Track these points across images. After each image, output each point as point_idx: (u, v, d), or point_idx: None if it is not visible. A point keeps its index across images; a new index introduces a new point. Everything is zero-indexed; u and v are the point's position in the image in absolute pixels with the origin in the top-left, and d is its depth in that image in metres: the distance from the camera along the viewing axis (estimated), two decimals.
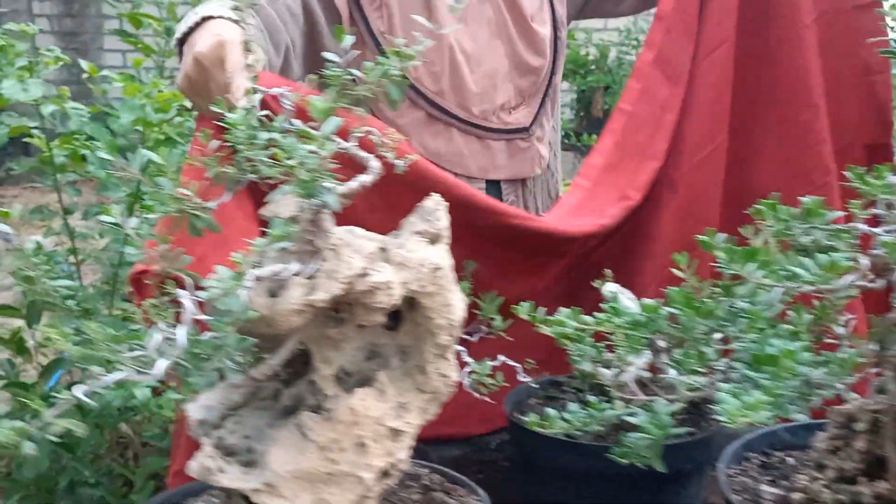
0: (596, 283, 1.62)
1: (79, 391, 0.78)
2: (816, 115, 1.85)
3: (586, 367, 1.14)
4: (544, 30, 1.96)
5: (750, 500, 1.19)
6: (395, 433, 1.06)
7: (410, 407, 1.08)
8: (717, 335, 1.18)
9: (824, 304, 1.19)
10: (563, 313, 1.10)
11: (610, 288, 1.52)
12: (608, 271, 1.64)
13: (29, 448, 0.77)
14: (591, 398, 1.14)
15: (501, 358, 1.56)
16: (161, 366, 0.82)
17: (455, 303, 1.11)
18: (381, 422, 1.04)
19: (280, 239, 0.86)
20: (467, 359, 1.53)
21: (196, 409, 1.07)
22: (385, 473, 1.05)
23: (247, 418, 1.08)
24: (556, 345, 1.45)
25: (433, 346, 1.09)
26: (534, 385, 1.63)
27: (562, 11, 2.04)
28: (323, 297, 0.97)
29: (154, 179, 0.93)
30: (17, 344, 2.41)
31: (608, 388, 1.39)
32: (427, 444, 1.84)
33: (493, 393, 1.52)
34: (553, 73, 2.03)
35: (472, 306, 1.59)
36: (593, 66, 7.43)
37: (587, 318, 1.06)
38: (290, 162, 0.84)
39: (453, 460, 1.97)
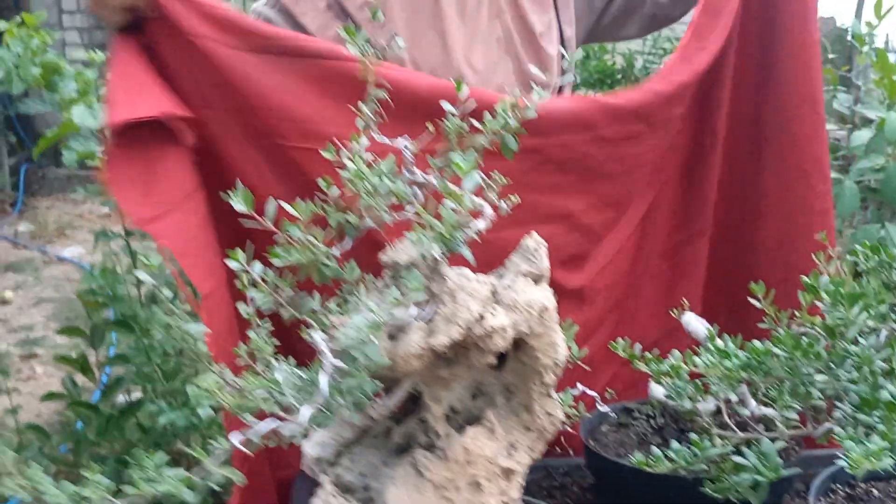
0: (674, 313, 1.65)
1: (235, 439, 0.82)
2: (821, 123, 1.89)
3: (686, 404, 1.16)
4: (552, 49, 2.00)
5: None
6: (508, 472, 1.09)
7: (519, 446, 1.11)
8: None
9: None
10: (675, 356, 1.12)
11: (689, 319, 1.55)
12: (685, 301, 1.67)
13: (188, 496, 0.81)
14: (693, 436, 1.16)
15: (581, 387, 1.59)
16: (306, 414, 0.85)
17: (559, 342, 1.14)
18: (494, 461, 1.07)
19: (417, 290, 0.89)
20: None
21: (312, 447, 1.10)
22: None
23: (360, 455, 1.11)
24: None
25: (539, 384, 1.12)
26: (608, 412, 1.65)
27: (570, 33, 2.07)
28: (443, 342, 1.01)
29: (286, 229, 0.96)
30: (80, 363, 2.46)
31: (692, 420, 1.41)
32: None
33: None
34: (561, 90, 2.06)
35: None
36: (620, 76, 7.43)
37: (697, 361, 1.09)
38: (427, 217, 0.87)
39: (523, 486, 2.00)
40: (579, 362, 1.60)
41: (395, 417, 1.15)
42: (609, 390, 1.61)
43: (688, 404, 1.16)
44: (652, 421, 1.77)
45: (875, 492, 1.37)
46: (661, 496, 1.50)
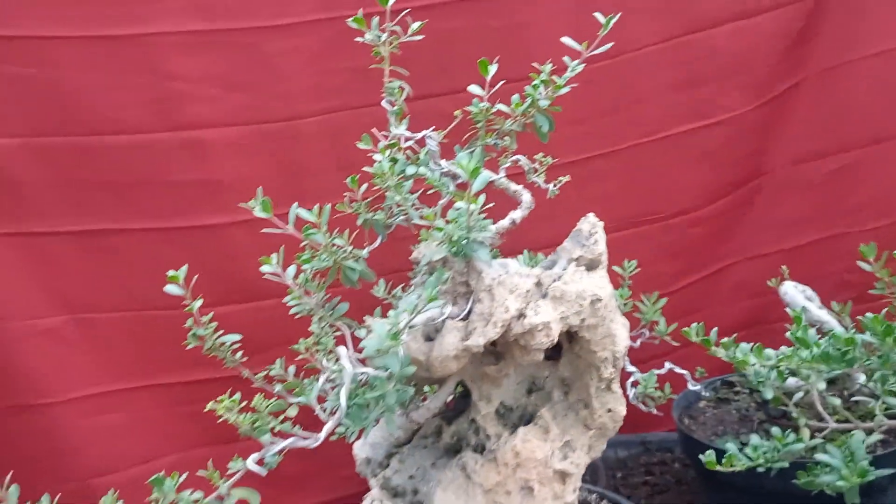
0: (771, 283, 1.50)
1: (251, 461, 0.80)
2: None
3: (768, 394, 1.05)
4: None
5: None
6: (562, 475, 1.02)
7: (576, 445, 1.04)
8: None
9: None
10: (742, 349, 1.01)
11: (787, 289, 1.41)
12: (784, 268, 1.51)
13: None
14: (775, 430, 1.05)
15: (669, 365, 1.48)
16: (323, 434, 0.82)
17: (618, 332, 1.04)
18: (547, 464, 1.01)
19: (432, 298, 0.83)
20: (631, 368, 1.46)
21: (362, 448, 1.08)
22: None
23: (409, 457, 1.08)
24: None
25: (597, 379, 1.04)
26: (701, 391, 1.54)
27: None
28: (479, 342, 0.94)
29: (308, 235, 0.93)
30: None
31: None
32: None
33: None
34: None
35: (634, 309, 1.52)
36: None
37: (770, 353, 0.97)
38: (440, 223, 0.80)
39: (620, 462, 1.92)
40: (667, 338, 1.50)
41: (446, 416, 1.10)
42: (700, 369, 1.50)
43: (769, 394, 1.04)
44: (756, 394, 1.64)
45: None
46: (758, 483, 1.39)
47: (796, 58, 1.79)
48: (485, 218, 0.89)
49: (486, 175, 0.80)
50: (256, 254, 1.61)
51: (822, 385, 1.02)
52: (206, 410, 0.84)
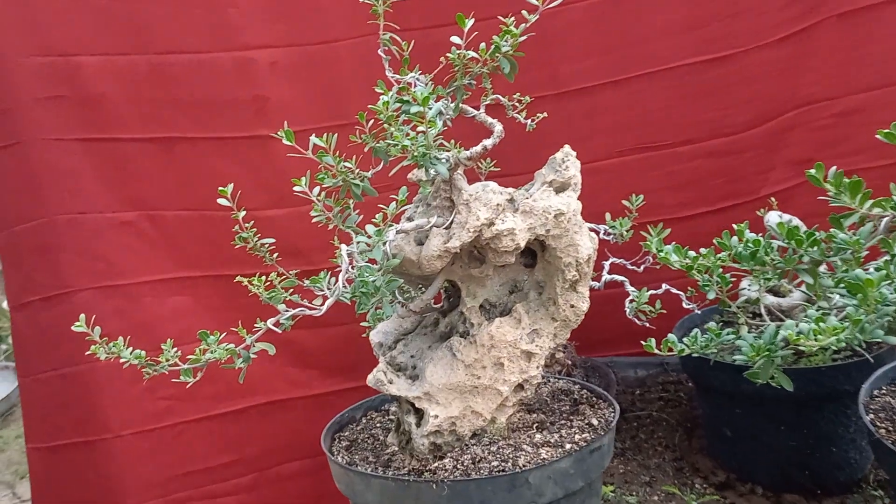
0: (760, 213, 1.65)
1: (270, 322, 1.07)
2: None
3: (711, 295, 1.23)
4: None
5: (885, 418, 1.22)
6: (528, 355, 1.25)
7: (542, 333, 1.26)
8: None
9: None
10: (668, 249, 1.20)
11: (771, 218, 1.56)
12: (773, 199, 1.66)
13: (240, 363, 1.08)
14: (712, 325, 1.23)
15: (665, 286, 1.66)
16: (325, 306, 1.09)
17: (581, 242, 1.25)
18: (516, 345, 1.24)
19: (403, 204, 1.07)
20: (629, 288, 1.66)
21: (375, 335, 1.34)
22: (520, 386, 1.25)
23: (412, 342, 1.33)
24: None
25: (562, 280, 1.26)
26: (697, 312, 1.71)
27: None
28: (456, 245, 1.18)
29: (322, 157, 1.18)
30: None
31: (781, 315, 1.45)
32: (610, 366, 2.00)
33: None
34: None
35: (639, 238, 1.71)
36: None
37: (692, 254, 1.16)
38: (405, 142, 1.04)
39: (640, 380, 2.11)
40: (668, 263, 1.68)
41: (442, 311, 1.35)
42: (690, 289, 1.67)
43: (712, 295, 1.23)
44: (758, 318, 1.79)
45: None
46: (740, 387, 1.56)
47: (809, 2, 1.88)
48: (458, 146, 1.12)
49: (438, 106, 1.03)
50: (296, 163, 1.89)
51: (756, 287, 1.20)
52: (237, 281, 1.11)
